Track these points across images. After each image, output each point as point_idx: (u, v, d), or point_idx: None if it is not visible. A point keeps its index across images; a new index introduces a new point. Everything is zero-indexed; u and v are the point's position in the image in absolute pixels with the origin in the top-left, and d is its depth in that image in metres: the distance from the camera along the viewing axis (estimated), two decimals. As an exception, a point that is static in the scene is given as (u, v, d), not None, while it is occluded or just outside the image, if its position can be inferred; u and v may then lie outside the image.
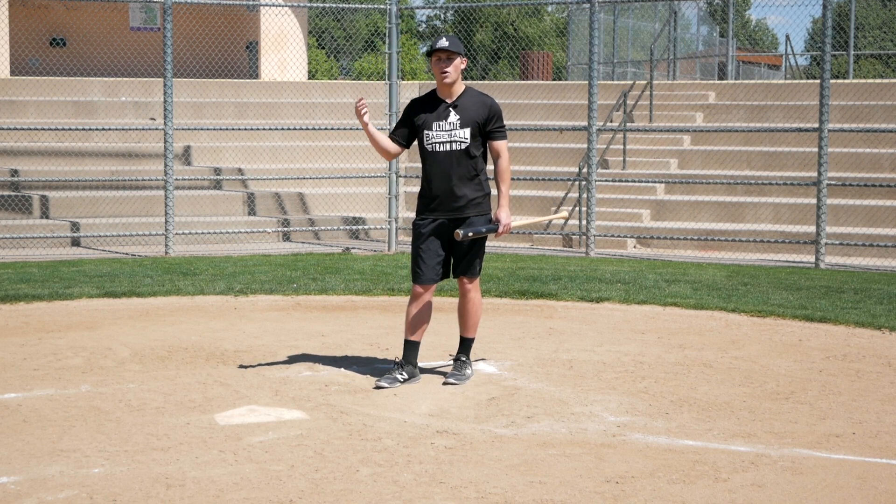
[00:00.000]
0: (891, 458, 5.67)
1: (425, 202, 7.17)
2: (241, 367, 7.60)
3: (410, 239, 7.38)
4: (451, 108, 7.08)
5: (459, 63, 7.07)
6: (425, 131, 7.09)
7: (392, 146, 7.27)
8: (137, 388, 6.97)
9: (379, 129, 7.48)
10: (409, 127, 7.20)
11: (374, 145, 7.28)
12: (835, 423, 6.33)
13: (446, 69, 7.02)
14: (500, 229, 7.07)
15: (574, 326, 9.41)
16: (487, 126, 7.10)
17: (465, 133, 7.05)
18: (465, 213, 7.11)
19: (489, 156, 7.26)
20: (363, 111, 7.07)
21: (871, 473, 5.40)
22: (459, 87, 7.12)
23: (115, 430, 6.02)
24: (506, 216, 7.08)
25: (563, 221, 16.35)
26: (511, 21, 43.34)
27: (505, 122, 7.26)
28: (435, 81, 7.18)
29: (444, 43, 7.00)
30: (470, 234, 7.00)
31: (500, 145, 7.16)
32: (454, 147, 7.05)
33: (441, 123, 7.06)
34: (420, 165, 7.29)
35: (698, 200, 16.19)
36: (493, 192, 7.30)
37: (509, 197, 7.18)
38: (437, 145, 7.07)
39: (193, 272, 12.34)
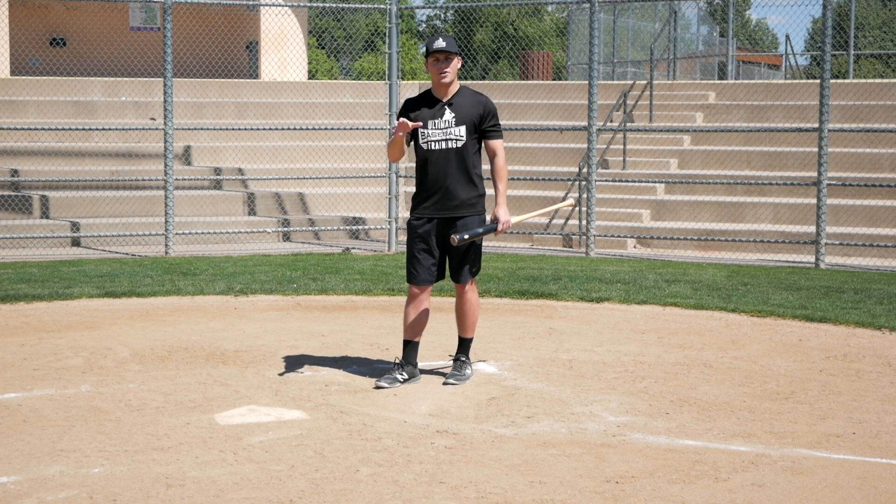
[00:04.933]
0: (891, 458, 5.67)
1: (420, 201, 7.17)
2: (241, 367, 7.60)
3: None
4: (446, 107, 7.09)
5: (456, 63, 7.09)
6: (421, 129, 7.09)
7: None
8: (137, 388, 6.98)
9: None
10: None
11: (392, 148, 7.26)
12: (835, 423, 6.33)
13: (446, 70, 7.04)
14: (500, 227, 7.06)
15: (574, 326, 9.41)
16: (483, 124, 7.11)
17: (461, 131, 7.06)
18: (460, 213, 7.10)
19: (485, 155, 7.25)
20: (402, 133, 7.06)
21: (871, 473, 5.40)
22: (455, 86, 7.15)
23: (115, 430, 6.02)
24: (504, 214, 7.08)
25: (563, 221, 16.34)
26: (511, 21, 43.31)
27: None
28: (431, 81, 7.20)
29: (441, 44, 7.01)
30: (466, 236, 6.94)
31: (496, 144, 7.17)
32: (450, 145, 7.06)
33: (436, 121, 7.07)
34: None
35: (698, 200, 16.18)
36: (490, 192, 7.27)
37: (506, 195, 7.18)
38: (433, 143, 7.07)
39: (193, 272, 12.34)
